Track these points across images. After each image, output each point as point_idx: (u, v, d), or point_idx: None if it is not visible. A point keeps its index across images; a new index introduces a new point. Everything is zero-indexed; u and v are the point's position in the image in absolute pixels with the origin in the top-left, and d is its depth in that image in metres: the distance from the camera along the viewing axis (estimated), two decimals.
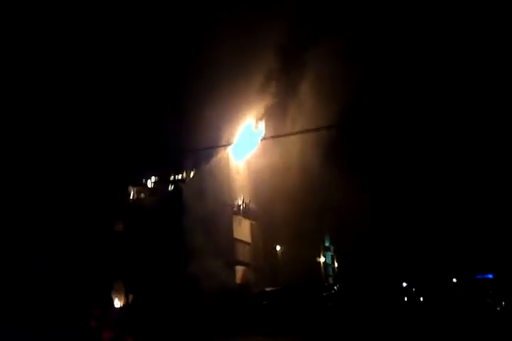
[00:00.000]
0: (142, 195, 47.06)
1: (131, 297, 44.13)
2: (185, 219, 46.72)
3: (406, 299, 61.48)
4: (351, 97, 50.37)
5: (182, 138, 43.13)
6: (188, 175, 47.96)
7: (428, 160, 58.48)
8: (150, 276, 43.96)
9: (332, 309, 43.57)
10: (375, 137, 55.05)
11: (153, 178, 47.42)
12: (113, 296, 43.89)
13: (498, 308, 44.88)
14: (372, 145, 56.65)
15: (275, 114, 54.33)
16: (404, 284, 64.58)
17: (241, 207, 54.90)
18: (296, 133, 50.87)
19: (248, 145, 54.50)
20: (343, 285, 60.34)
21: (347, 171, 52.35)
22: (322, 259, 66.80)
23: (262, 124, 54.97)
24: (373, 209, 58.89)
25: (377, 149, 57.56)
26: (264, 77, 49.96)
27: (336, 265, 69.83)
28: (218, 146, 47.49)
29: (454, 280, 64.48)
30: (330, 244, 68.84)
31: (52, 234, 42.56)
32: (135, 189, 47.03)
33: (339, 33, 48.23)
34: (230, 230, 52.64)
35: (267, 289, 46.14)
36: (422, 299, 59.68)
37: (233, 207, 54.04)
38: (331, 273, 68.89)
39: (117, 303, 43.88)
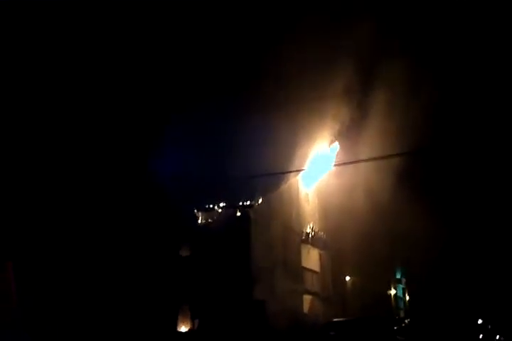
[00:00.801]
0: (210, 220, 46.78)
1: (197, 322, 43.64)
2: (252, 245, 46.14)
3: (481, 337, 59.05)
4: (429, 121, 49.24)
5: (251, 163, 42.64)
6: (256, 201, 47.38)
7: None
8: (216, 302, 43.37)
9: None
10: (454, 162, 53.27)
11: (221, 203, 47.08)
12: (179, 321, 43.48)
13: None
14: (451, 171, 54.86)
15: (348, 140, 53.46)
16: (480, 321, 62.14)
17: (310, 235, 53.98)
18: (368, 159, 49.85)
19: (319, 172, 53.68)
20: (414, 319, 58.26)
21: (423, 200, 50.88)
22: (393, 292, 64.90)
23: (333, 149, 54.01)
24: (449, 240, 57.14)
25: (456, 176, 55.76)
26: (338, 98, 49.11)
27: (408, 298, 67.67)
28: (288, 172, 46.78)
29: None
30: (401, 276, 66.90)
31: (122, 258, 42.72)
32: (203, 214, 46.82)
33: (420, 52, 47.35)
34: (299, 258, 51.76)
35: (335, 320, 44.77)
36: (498, 337, 57.23)
37: (302, 236, 53.18)
38: (401, 306, 66.85)
39: (183, 328, 43.43)
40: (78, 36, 43.73)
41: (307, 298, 52.35)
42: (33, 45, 42.86)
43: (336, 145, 54.52)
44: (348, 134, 53.70)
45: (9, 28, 41.64)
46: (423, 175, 53.23)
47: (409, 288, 67.33)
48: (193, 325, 43.74)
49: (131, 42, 45.05)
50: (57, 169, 42.54)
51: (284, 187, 50.07)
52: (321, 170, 54.04)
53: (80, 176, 42.89)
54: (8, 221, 39.08)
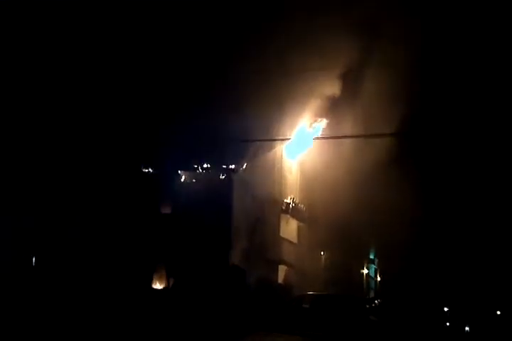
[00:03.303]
0: (193, 180, 46.44)
1: (172, 280, 43.39)
2: (233, 209, 45.95)
3: (448, 324, 59.68)
4: (416, 102, 49.30)
5: (238, 128, 42.39)
6: (240, 165, 47.15)
7: (485, 171, 56.66)
8: (193, 262, 43.14)
9: (374, 322, 42.32)
10: (436, 144, 53.45)
11: (205, 165, 46.77)
12: (154, 279, 43.22)
13: None
14: (432, 152, 55.02)
15: (335, 116, 53.27)
16: (446, 309, 62.73)
17: (290, 206, 53.82)
18: (353, 136, 49.90)
19: (304, 144, 53.44)
20: (385, 300, 58.58)
21: (403, 180, 50.92)
22: (365, 271, 65.07)
23: (319, 124, 53.77)
24: (425, 226, 57.38)
25: (437, 158, 55.95)
26: (329, 73, 48.93)
27: (379, 279, 67.94)
28: (273, 139, 46.87)
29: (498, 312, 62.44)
30: (375, 256, 67.09)
31: (98, 211, 42.42)
32: (186, 173, 46.47)
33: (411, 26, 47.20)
34: (277, 228, 51.66)
35: (309, 293, 44.76)
36: (468, 329, 57.98)
37: (282, 206, 53.02)
38: (372, 286, 67.04)
39: (158, 286, 43.16)
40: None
41: (282, 268, 52.31)
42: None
43: (323, 120, 54.31)
44: (335, 110, 53.61)
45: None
46: (405, 153, 53.18)
47: (381, 269, 67.59)
48: (167, 283, 43.52)
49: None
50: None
51: (268, 155, 49.91)
52: (306, 143, 53.84)
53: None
54: None
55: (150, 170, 45.69)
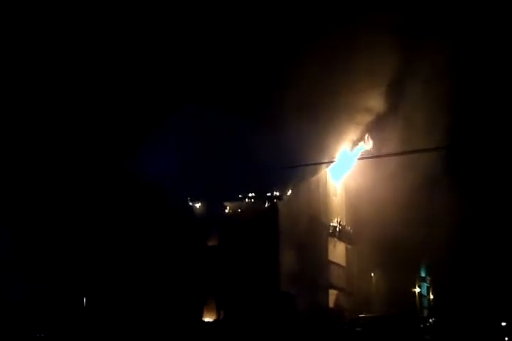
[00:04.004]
0: (238, 210, 46.34)
1: (222, 313, 43.24)
2: (279, 237, 45.67)
3: (506, 339, 58.14)
4: (459, 118, 48.44)
5: (281, 155, 42.19)
6: (285, 192, 46.89)
7: None
8: (242, 293, 42.93)
9: None
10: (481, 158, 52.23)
11: (250, 194, 46.64)
12: (204, 311, 43.13)
13: None
14: (478, 166, 53.77)
15: (378, 134, 52.70)
16: (504, 323, 61.16)
17: (337, 229, 53.35)
18: (396, 154, 49.06)
19: (347, 165, 53.01)
20: (440, 318, 57.47)
21: (452, 196, 49.99)
22: (417, 290, 63.87)
23: (363, 144, 53.29)
24: (477, 241, 56.15)
25: (484, 171, 54.66)
26: (369, 93, 48.47)
27: (432, 297, 66.66)
28: (317, 163, 46.16)
29: None
30: (426, 274, 65.87)
31: (150, 247, 42.55)
32: (231, 204, 46.39)
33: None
34: (325, 252, 51.25)
35: (361, 315, 44.23)
36: None
37: (329, 229, 52.59)
38: (426, 304, 65.76)
39: (208, 319, 43.05)
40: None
41: (332, 292, 51.78)
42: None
43: (366, 139, 53.78)
44: (378, 129, 53.04)
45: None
46: (450, 168, 52.18)
47: (433, 287, 66.37)
48: (218, 315, 43.36)
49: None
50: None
51: (312, 179, 49.59)
52: (350, 164, 53.40)
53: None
54: None
55: (195, 203, 45.65)
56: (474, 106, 51.38)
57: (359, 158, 53.35)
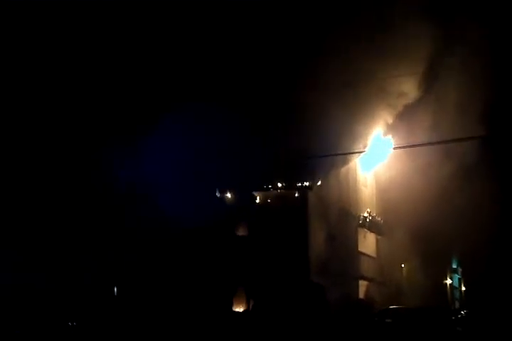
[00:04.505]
0: (268, 200, 46.14)
1: (251, 303, 43.17)
2: (309, 227, 45.39)
3: None
4: (494, 105, 47.45)
5: (312, 145, 41.81)
6: (315, 182, 46.52)
7: None
8: (272, 283, 42.77)
9: (461, 334, 40.97)
10: None
11: (279, 184, 46.37)
12: (234, 302, 43.11)
13: None
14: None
15: (408, 124, 51.86)
16: None
17: (367, 219, 52.87)
18: (428, 144, 48.25)
19: (378, 155, 52.35)
20: (472, 310, 56.70)
21: (485, 187, 49.13)
22: (449, 281, 63.19)
23: (393, 134, 52.47)
24: (510, 233, 55.19)
25: None
26: (402, 79, 47.70)
27: (463, 288, 65.89)
28: (348, 153, 45.76)
29: None
30: (458, 265, 65.11)
31: (180, 237, 42.66)
32: (261, 194, 46.19)
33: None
34: (355, 242, 50.91)
35: (392, 307, 43.75)
36: None
37: (359, 220, 52.17)
38: (457, 296, 65.06)
39: (238, 309, 43.03)
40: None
41: (363, 284, 51.44)
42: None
43: (396, 129, 52.95)
44: (408, 119, 52.20)
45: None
46: (488, 160, 51.18)
47: (465, 279, 65.58)
48: (248, 305, 43.31)
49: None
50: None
51: (342, 169, 49.12)
52: (380, 154, 52.69)
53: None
54: None
55: (225, 193, 45.56)
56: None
57: (392, 148, 52.72)
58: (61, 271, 40.24)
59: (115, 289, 40.97)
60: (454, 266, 65.01)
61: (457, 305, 63.33)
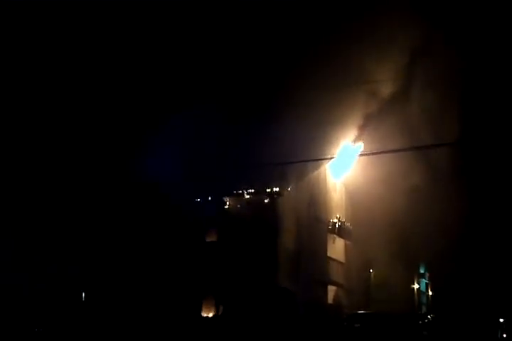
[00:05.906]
0: (238, 206, 46.31)
1: (221, 308, 43.25)
2: (279, 232, 45.61)
3: (504, 336, 58.10)
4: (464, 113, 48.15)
5: (281, 151, 42.07)
6: (285, 188, 46.81)
7: None
8: (241, 288, 42.92)
9: (427, 338, 41.70)
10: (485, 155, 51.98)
11: (250, 189, 46.56)
12: (203, 307, 43.15)
13: None
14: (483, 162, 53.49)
15: (376, 131, 52.43)
16: (502, 320, 61.10)
17: (336, 225, 53.28)
18: (393, 151, 48.87)
19: (347, 162, 52.86)
20: (438, 315, 57.46)
21: (451, 192, 49.82)
22: (416, 286, 63.85)
23: (361, 141, 53.08)
24: (477, 239, 56.05)
25: (487, 168, 54.44)
26: (367, 88, 48.26)
27: (430, 293, 66.64)
28: (317, 159, 46.07)
29: None
30: (425, 270, 65.81)
31: (148, 243, 42.57)
32: (231, 199, 46.35)
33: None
34: (324, 248, 51.17)
35: (360, 312, 44.28)
36: None
37: (328, 225, 52.52)
38: (424, 301, 65.74)
39: (207, 314, 43.07)
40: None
41: (331, 289, 51.77)
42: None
43: (365, 136, 53.56)
44: (376, 125, 52.80)
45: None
46: (453, 166, 51.92)
47: (432, 284, 66.32)
48: (217, 310, 43.37)
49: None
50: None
51: (312, 175, 49.44)
52: (349, 160, 53.23)
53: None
54: None
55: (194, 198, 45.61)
56: (483, 102, 51.10)
57: (360, 155, 53.24)
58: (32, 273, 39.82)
59: (83, 294, 40.75)
60: (422, 271, 65.68)
61: (424, 309, 64.01)
